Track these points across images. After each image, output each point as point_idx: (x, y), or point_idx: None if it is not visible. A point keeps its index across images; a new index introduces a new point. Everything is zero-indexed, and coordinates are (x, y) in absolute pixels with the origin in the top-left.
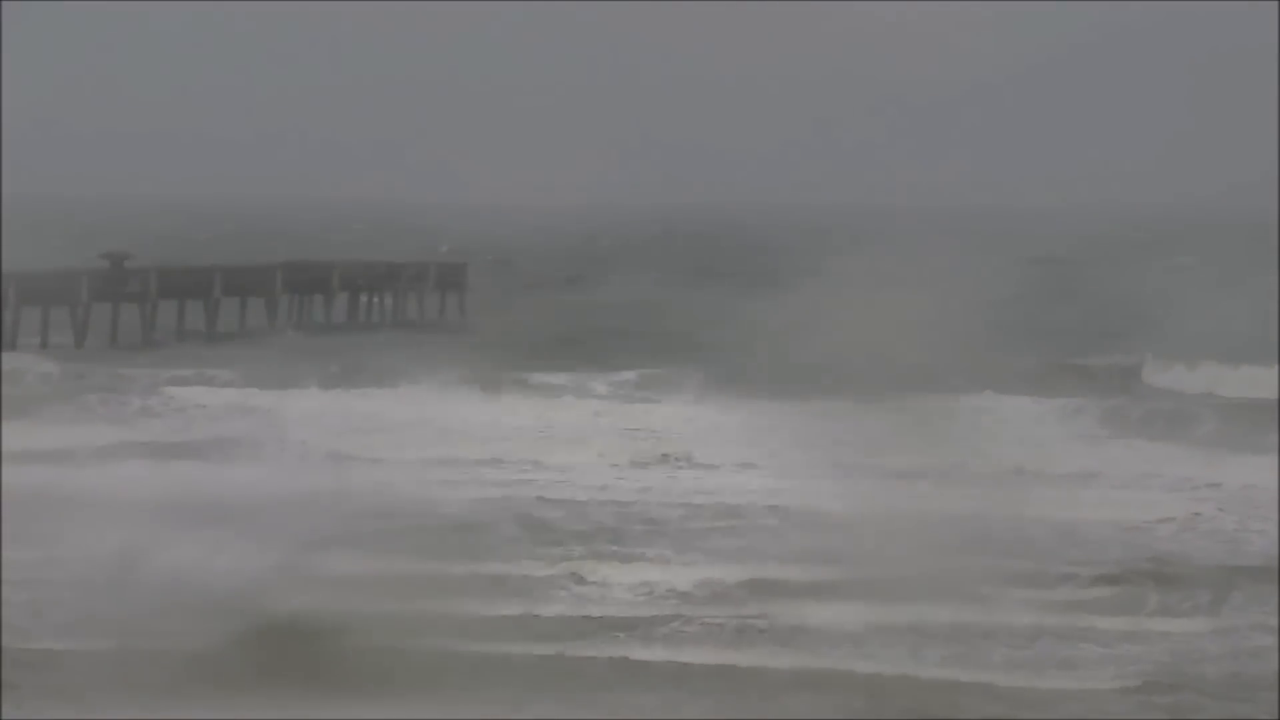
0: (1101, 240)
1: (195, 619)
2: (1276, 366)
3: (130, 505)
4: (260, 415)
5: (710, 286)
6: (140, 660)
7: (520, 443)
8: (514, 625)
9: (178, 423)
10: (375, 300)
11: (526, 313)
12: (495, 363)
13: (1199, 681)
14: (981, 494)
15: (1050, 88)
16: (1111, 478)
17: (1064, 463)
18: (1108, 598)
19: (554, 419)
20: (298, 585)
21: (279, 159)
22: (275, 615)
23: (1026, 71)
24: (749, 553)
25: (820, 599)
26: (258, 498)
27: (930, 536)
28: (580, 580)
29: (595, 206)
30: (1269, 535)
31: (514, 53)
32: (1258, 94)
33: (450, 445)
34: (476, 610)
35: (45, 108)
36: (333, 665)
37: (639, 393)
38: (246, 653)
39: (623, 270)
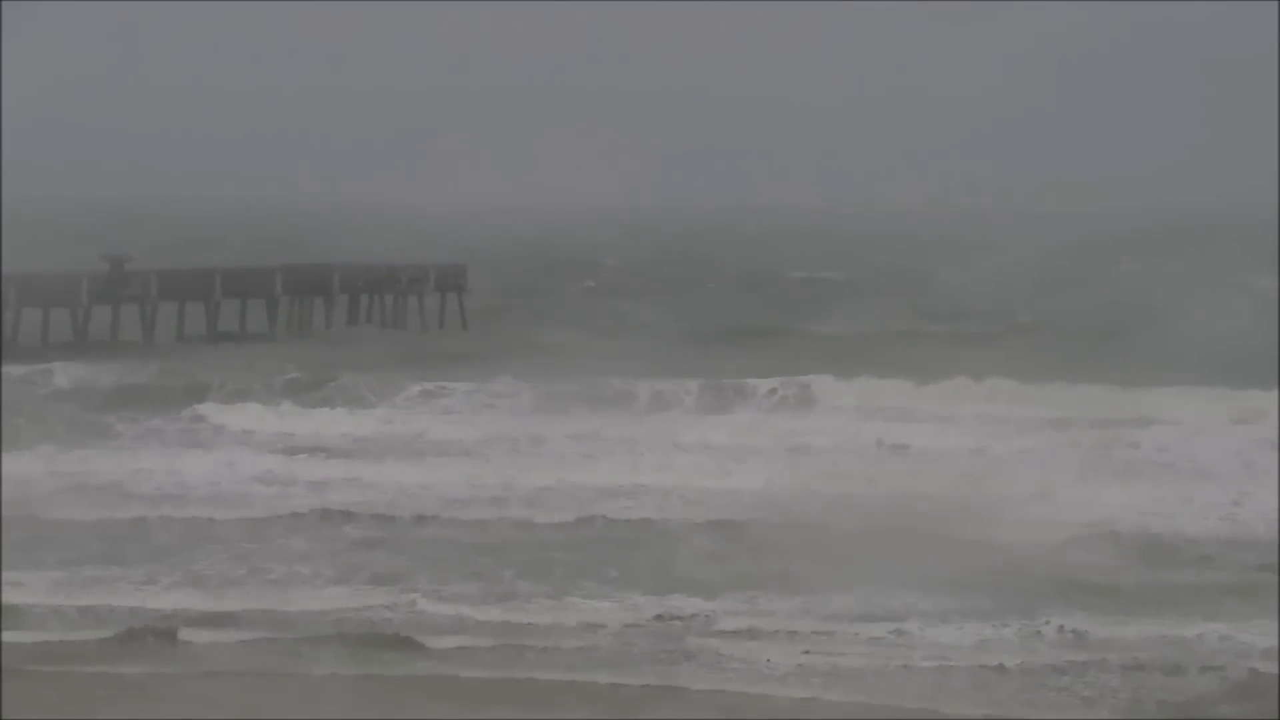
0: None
1: None
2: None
3: None
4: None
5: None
6: None
7: None
8: None
9: None
10: (375, 302)
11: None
12: None
13: None
14: None
15: (1054, 89)
16: None
17: None
18: None
19: None
20: None
21: (279, 159)
22: None
23: (1028, 74)
24: None
25: None
26: None
27: None
28: None
29: (595, 209)
30: None
31: (514, 54)
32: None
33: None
34: None
35: (45, 108)
36: None
37: None
38: None
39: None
